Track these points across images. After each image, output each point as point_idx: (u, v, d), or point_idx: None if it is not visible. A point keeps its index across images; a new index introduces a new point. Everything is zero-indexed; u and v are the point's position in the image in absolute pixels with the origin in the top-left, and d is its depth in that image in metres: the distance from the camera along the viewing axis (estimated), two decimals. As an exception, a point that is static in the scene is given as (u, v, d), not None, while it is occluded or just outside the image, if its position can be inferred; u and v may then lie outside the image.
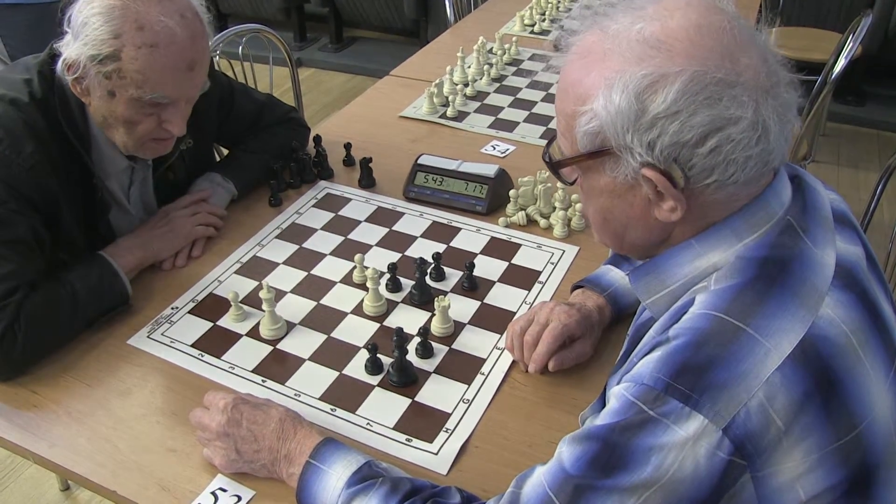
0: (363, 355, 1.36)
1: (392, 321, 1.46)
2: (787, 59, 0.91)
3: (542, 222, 1.73)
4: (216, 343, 1.41)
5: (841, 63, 2.69)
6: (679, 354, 0.84)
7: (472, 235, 1.71)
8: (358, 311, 1.48)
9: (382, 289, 1.52)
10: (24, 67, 1.46)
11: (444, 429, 1.24)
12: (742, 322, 0.84)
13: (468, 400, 1.29)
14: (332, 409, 1.28)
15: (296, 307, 1.49)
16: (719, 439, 0.80)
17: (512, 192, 1.75)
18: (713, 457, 0.80)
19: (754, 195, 0.91)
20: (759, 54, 0.87)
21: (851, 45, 2.73)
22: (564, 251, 1.65)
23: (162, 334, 1.43)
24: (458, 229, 1.73)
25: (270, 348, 1.40)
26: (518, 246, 1.67)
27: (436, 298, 1.42)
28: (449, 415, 1.27)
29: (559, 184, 1.75)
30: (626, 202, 0.94)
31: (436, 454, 1.20)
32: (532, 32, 2.90)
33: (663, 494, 0.82)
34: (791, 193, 0.94)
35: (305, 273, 1.59)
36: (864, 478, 0.85)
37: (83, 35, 1.35)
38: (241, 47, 2.52)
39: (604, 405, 1.06)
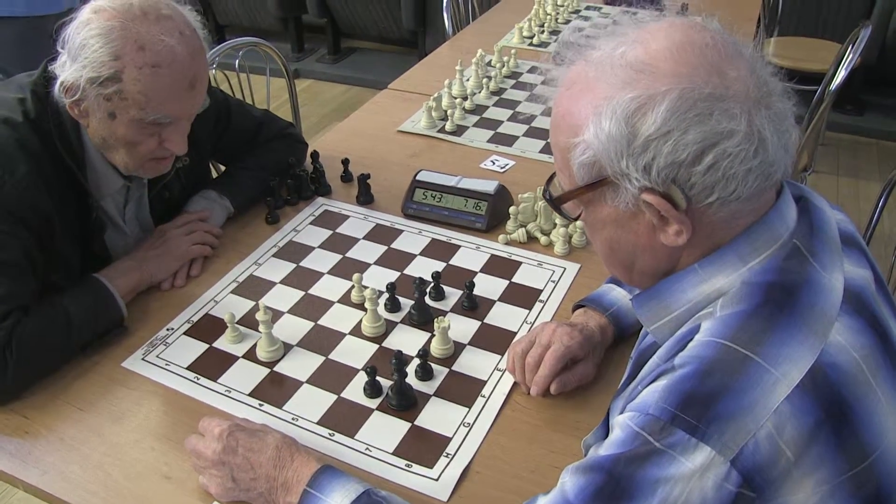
0: (362, 378, 1.34)
1: (391, 342, 1.44)
2: (780, 69, 0.91)
3: (543, 239, 1.70)
4: (212, 365, 1.39)
5: (841, 74, 2.68)
6: (685, 384, 0.82)
7: (471, 253, 1.69)
8: (356, 331, 1.46)
9: (381, 309, 1.50)
10: (17, 86, 1.44)
11: (444, 453, 1.22)
12: (749, 350, 0.82)
13: (469, 423, 1.27)
14: (330, 434, 1.25)
15: (293, 328, 1.47)
16: (727, 471, 0.78)
17: (512, 209, 1.73)
18: (721, 489, 0.78)
19: (760, 213, 0.90)
20: (747, 66, 0.86)
21: (851, 56, 2.72)
22: (566, 269, 1.63)
23: (157, 356, 1.41)
24: (458, 247, 1.71)
25: (267, 371, 1.38)
26: (518, 264, 1.65)
27: (435, 319, 1.40)
28: (449, 439, 1.24)
29: (549, 204, 1.73)
30: (631, 231, 0.92)
31: (436, 480, 1.18)
32: (531, 45, 2.89)
33: None
34: (797, 215, 0.93)
35: (303, 293, 1.57)
36: None
37: (82, 57, 1.33)
38: (237, 60, 2.51)
39: (607, 430, 1.04)
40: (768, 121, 0.85)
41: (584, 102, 0.88)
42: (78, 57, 1.33)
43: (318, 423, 1.27)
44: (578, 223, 1.67)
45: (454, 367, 1.38)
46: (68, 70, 1.35)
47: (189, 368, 1.38)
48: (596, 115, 0.86)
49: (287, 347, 1.42)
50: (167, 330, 1.47)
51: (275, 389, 1.34)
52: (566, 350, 1.27)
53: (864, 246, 1.00)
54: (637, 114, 0.84)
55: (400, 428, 1.26)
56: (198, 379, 1.36)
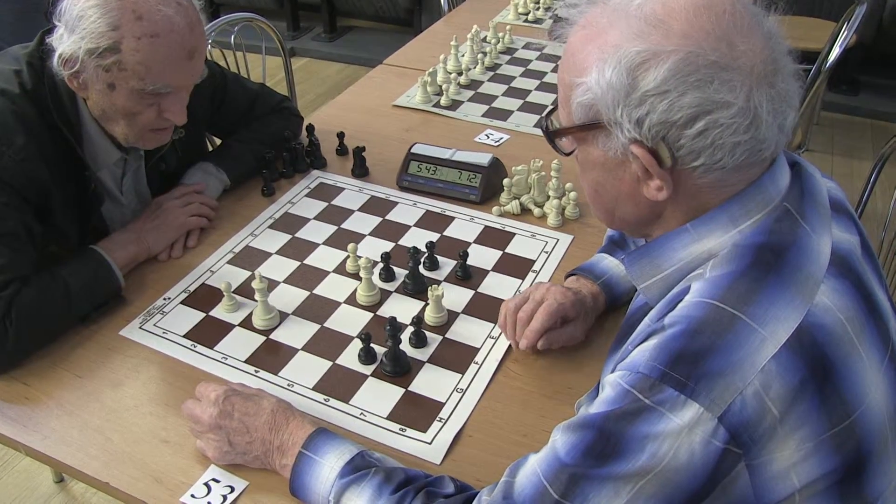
0: (356, 345, 1.36)
1: (385, 311, 1.45)
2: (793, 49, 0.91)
3: (536, 211, 1.72)
4: (209, 333, 1.41)
5: (835, 52, 2.68)
6: (675, 342, 0.83)
7: (465, 224, 1.70)
8: (351, 300, 1.48)
9: (376, 278, 1.51)
10: (12, 58, 1.45)
11: (437, 418, 1.24)
12: (737, 310, 0.83)
13: (462, 389, 1.29)
14: (325, 399, 1.27)
15: (289, 297, 1.49)
16: (714, 427, 0.79)
17: (506, 181, 1.74)
18: (708, 445, 0.80)
19: (749, 181, 0.91)
20: (762, 41, 0.86)
21: (846, 33, 2.72)
22: (558, 240, 1.64)
23: (154, 325, 1.43)
24: (452, 218, 1.72)
25: (263, 338, 1.40)
26: (512, 235, 1.66)
27: (429, 288, 1.41)
28: (443, 404, 1.26)
29: (553, 172, 1.75)
30: (617, 177, 0.94)
31: (430, 444, 1.20)
32: (526, 21, 2.89)
33: (658, 483, 0.81)
34: (789, 180, 0.94)
35: (298, 263, 1.58)
36: (856, 466, 0.85)
37: (80, 29, 1.33)
38: (233, 37, 2.51)
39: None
40: (767, 100, 0.85)
41: (593, 46, 0.89)
42: (76, 28, 1.34)
43: (313, 389, 1.29)
44: (571, 196, 1.70)
45: (448, 335, 1.40)
46: (66, 42, 1.35)
47: (186, 336, 1.40)
48: (601, 60, 0.87)
49: (283, 316, 1.44)
50: (164, 299, 1.49)
51: (270, 356, 1.36)
52: (559, 307, 1.30)
53: (852, 212, 1.01)
54: (640, 68, 0.85)
55: (394, 393, 1.28)
56: (194, 346, 1.38)
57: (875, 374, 0.87)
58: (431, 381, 1.31)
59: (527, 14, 2.93)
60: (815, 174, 0.99)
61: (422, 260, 1.55)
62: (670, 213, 0.94)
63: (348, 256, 1.56)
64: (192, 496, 1.12)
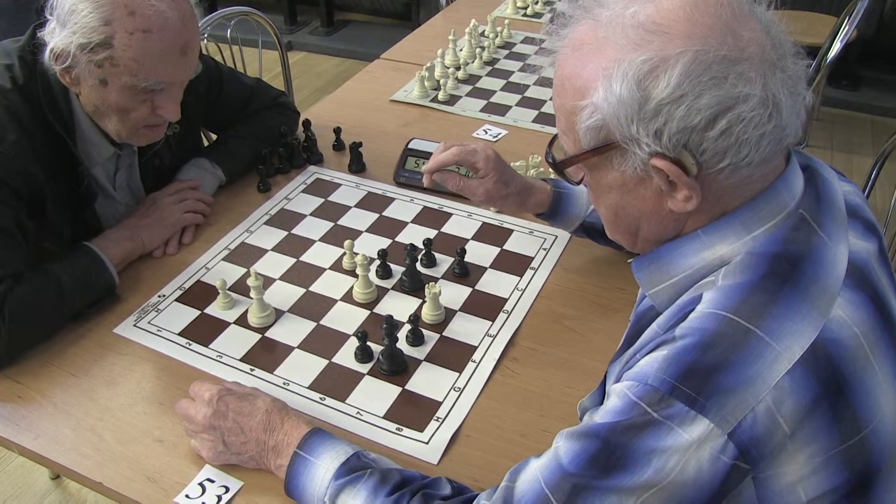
0: (353, 343, 1.35)
1: (382, 308, 1.44)
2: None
3: (535, 208, 1.70)
4: (204, 331, 1.39)
5: (836, 47, 2.67)
6: (686, 356, 0.81)
7: (463, 221, 1.69)
8: (347, 298, 1.47)
9: (372, 275, 1.50)
10: (3, 52, 1.43)
11: (434, 417, 1.23)
12: (752, 324, 0.80)
13: (459, 388, 1.28)
14: (321, 398, 1.26)
15: (284, 294, 1.47)
16: (724, 444, 0.77)
17: (504, 177, 1.72)
18: (717, 461, 0.78)
19: (769, 180, 0.88)
20: (762, 26, 0.84)
21: (847, 28, 2.71)
22: (557, 237, 1.63)
23: (149, 323, 1.41)
24: (450, 215, 1.71)
25: (259, 336, 1.38)
26: (510, 231, 1.65)
27: (426, 285, 1.40)
28: (440, 403, 1.25)
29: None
30: (638, 196, 0.90)
31: (426, 443, 1.19)
32: (525, 15, 2.88)
33: (663, 496, 0.79)
34: (803, 184, 0.91)
35: (294, 260, 1.57)
36: (866, 480, 0.83)
37: (71, 23, 1.31)
38: (229, 30, 2.49)
39: (604, 393, 1.03)
40: (783, 84, 0.82)
41: (593, 64, 0.85)
42: (67, 23, 1.32)
43: (309, 388, 1.28)
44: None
45: (445, 333, 1.39)
46: (58, 36, 1.33)
47: (181, 334, 1.39)
48: (606, 77, 0.83)
49: (278, 313, 1.43)
50: (159, 297, 1.48)
51: (266, 354, 1.35)
52: (469, 152, 1.44)
53: (870, 217, 0.98)
54: (649, 77, 0.81)
55: (391, 392, 1.27)
56: (189, 344, 1.37)
57: (888, 388, 0.85)
58: (428, 380, 1.29)
59: (525, 8, 2.91)
60: (832, 179, 0.95)
61: (419, 257, 1.53)
62: (693, 222, 0.91)
63: (345, 253, 1.54)
64: (187, 496, 1.11)
